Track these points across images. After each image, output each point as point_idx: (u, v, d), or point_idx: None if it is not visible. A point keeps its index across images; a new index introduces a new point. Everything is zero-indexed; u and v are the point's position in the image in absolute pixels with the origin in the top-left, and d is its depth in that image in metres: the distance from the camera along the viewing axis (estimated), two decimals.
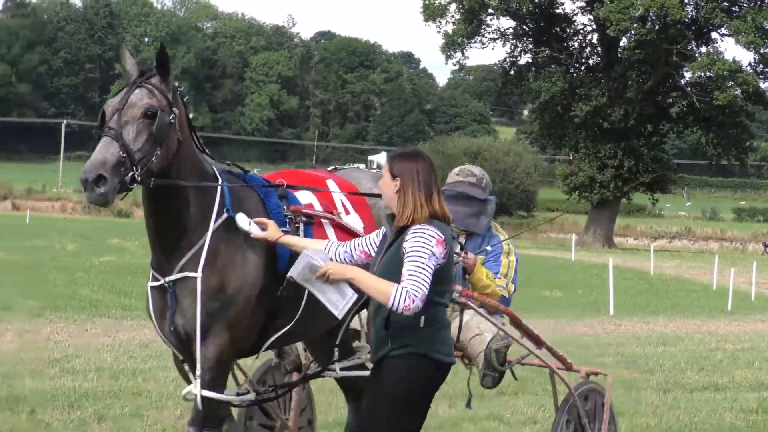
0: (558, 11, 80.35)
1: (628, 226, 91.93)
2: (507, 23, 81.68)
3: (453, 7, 77.97)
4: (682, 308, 28.82)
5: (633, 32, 71.46)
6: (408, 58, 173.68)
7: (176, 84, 7.18)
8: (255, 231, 6.92)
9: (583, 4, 78.03)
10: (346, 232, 7.71)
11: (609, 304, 26.91)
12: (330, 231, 7.68)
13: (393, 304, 6.20)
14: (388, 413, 6.47)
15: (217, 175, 7.32)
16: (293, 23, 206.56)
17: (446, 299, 6.61)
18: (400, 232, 6.45)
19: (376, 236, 6.89)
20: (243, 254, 7.19)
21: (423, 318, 6.38)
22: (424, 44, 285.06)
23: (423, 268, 6.27)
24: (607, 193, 75.39)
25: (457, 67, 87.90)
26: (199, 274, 6.94)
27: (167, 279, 7.10)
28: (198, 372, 7.09)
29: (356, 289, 6.64)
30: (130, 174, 6.58)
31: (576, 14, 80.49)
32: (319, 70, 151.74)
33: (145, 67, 7.01)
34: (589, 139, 76.72)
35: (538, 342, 8.77)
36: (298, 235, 7.38)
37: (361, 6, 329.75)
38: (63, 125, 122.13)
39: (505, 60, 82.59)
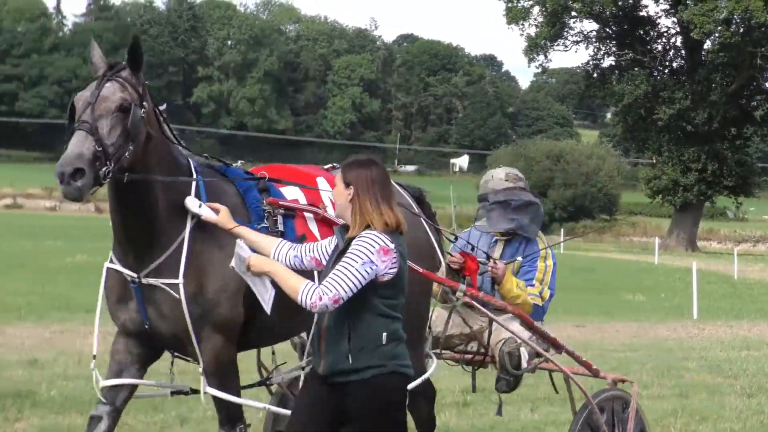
0: (641, 14, 79.93)
1: (711, 229, 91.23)
2: (590, 26, 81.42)
3: (536, 9, 77.95)
4: (766, 312, 28.58)
5: (717, 35, 70.79)
6: (490, 61, 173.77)
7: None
8: (206, 213, 6.81)
9: (667, 6, 77.58)
10: (331, 227, 7.54)
11: (692, 307, 26.81)
12: (313, 225, 7.60)
13: (300, 300, 6.03)
14: None
15: (193, 169, 7.21)
16: (376, 26, 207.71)
17: (399, 312, 6.35)
18: (350, 241, 6.24)
19: (328, 244, 6.69)
20: (222, 251, 7.04)
21: (385, 334, 6.18)
22: (507, 47, 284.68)
23: (350, 272, 6.06)
24: (690, 197, 74.88)
25: (539, 69, 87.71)
26: (180, 280, 6.87)
27: (142, 278, 7.00)
28: (201, 373, 7.11)
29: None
30: (103, 169, 6.49)
31: (660, 17, 79.95)
32: (402, 73, 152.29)
33: (113, 61, 6.93)
34: (673, 143, 76.21)
35: (556, 346, 8.58)
36: (278, 228, 7.28)
37: (444, 9, 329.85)
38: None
39: (588, 63, 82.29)
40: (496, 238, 8.75)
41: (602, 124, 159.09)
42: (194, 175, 7.15)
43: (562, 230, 74.35)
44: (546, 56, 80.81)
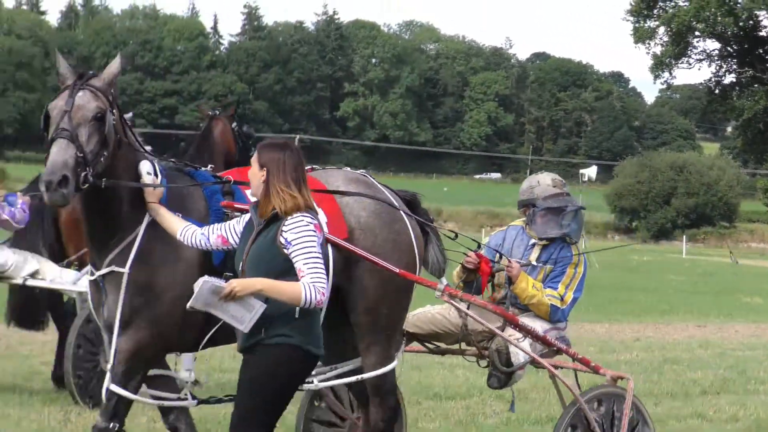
0: (761, 34, 79.63)
1: None
2: (712, 45, 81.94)
3: (662, 30, 78.70)
4: None
5: None
6: (618, 78, 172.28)
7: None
8: (147, 180, 6.72)
9: None
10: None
11: None
12: None
13: (305, 302, 5.92)
14: (258, 401, 6.17)
15: (158, 172, 7.06)
16: (510, 45, 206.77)
17: None
18: (271, 221, 6.13)
19: (236, 223, 6.55)
20: (176, 253, 6.93)
21: (297, 309, 6.04)
22: (634, 65, 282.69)
23: (317, 259, 6.00)
24: None
25: (664, 86, 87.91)
26: (126, 269, 6.73)
27: (98, 274, 6.91)
28: (109, 365, 6.81)
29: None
30: (83, 174, 6.45)
31: None
32: (534, 89, 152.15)
33: (82, 70, 6.85)
34: None
35: (546, 343, 8.18)
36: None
37: (575, 28, 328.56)
38: (296, 140, 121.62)
39: (710, 80, 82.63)
40: (534, 241, 8.46)
41: (723, 137, 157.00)
42: (159, 179, 7.01)
43: (684, 236, 74.27)
44: (671, 73, 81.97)
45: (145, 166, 6.77)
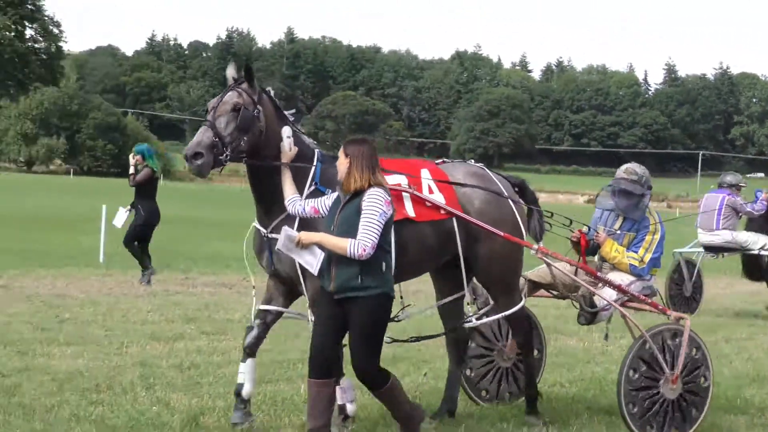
0: None
1: None
2: None
3: None
4: None
5: None
6: None
7: (268, 89, 8.79)
8: (286, 145, 8.56)
9: None
10: (422, 203, 8.91)
11: None
12: (408, 202, 8.88)
13: (350, 254, 7.57)
14: (372, 340, 7.85)
15: (316, 157, 8.80)
16: None
17: (389, 247, 7.95)
18: (354, 196, 7.76)
19: (327, 199, 8.19)
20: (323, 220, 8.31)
21: (384, 264, 7.75)
22: None
23: (373, 224, 7.61)
24: None
25: None
26: (294, 233, 8.05)
27: (266, 232, 8.66)
28: (308, 305, 8.56)
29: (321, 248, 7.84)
30: (222, 155, 8.22)
31: None
32: None
33: (239, 76, 8.57)
34: None
35: (622, 291, 9.55)
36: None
37: None
38: (699, 156, 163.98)
39: None
40: (619, 213, 9.99)
41: None
42: (315, 162, 8.75)
43: None
44: None
45: (285, 131, 8.56)
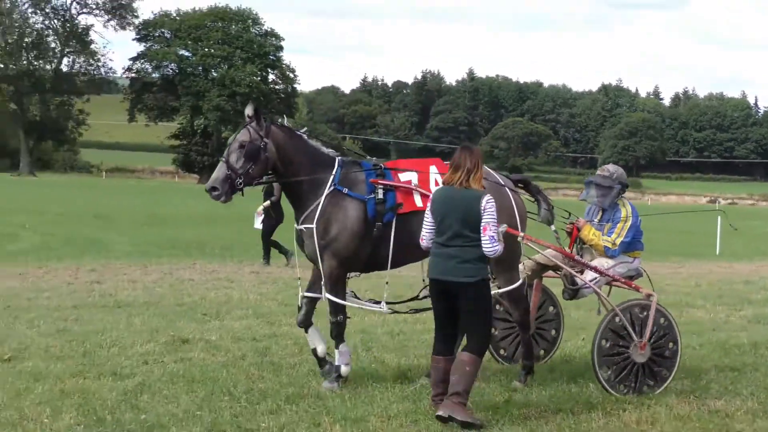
0: None
1: None
2: None
3: None
4: None
5: None
6: None
7: (280, 120, 9.57)
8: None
9: None
10: (428, 197, 8.24)
11: None
12: (417, 196, 8.63)
13: (491, 252, 7.42)
14: (486, 317, 7.59)
15: (336, 164, 8.66)
16: None
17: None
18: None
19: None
20: (344, 212, 8.49)
21: (480, 255, 7.44)
22: None
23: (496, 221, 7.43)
24: None
25: None
26: (314, 225, 8.45)
27: (297, 227, 8.72)
28: (323, 282, 8.60)
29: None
30: (236, 182, 8.29)
31: None
32: None
33: (250, 114, 8.49)
34: None
35: (597, 271, 9.12)
36: (381, 197, 8.53)
37: None
38: None
39: None
40: (598, 208, 9.54)
41: None
42: (334, 168, 8.62)
43: None
44: None
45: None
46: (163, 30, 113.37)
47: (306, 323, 8.92)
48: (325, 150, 8.85)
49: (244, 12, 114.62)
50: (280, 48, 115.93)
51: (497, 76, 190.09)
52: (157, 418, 7.36)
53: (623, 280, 9.25)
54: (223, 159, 8.34)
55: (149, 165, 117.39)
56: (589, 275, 9.19)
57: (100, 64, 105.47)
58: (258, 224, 19.72)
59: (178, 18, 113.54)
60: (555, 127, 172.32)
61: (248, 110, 8.54)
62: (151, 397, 8.00)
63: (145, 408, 7.65)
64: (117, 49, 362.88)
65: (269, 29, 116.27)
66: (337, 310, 8.65)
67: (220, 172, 8.32)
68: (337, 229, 8.45)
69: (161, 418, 7.37)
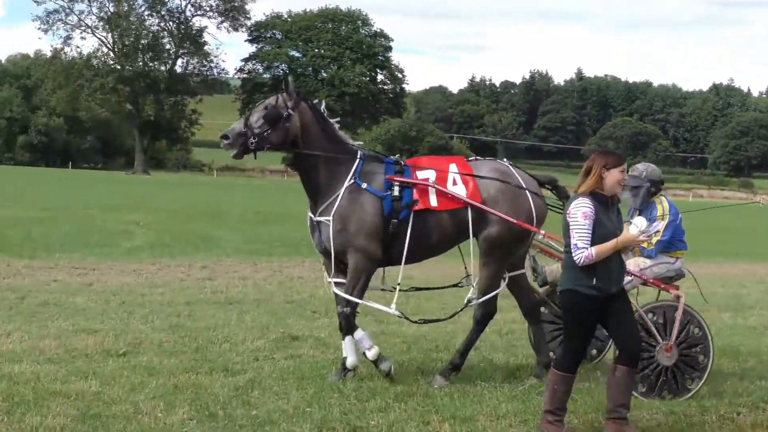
0: None
1: None
2: None
3: None
4: None
5: None
6: None
7: (316, 101, 8.71)
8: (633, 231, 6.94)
9: None
10: (444, 195, 8.48)
11: None
12: (432, 195, 8.52)
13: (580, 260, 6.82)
14: (569, 330, 7.13)
15: (358, 156, 8.54)
16: None
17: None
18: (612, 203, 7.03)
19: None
20: (361, 207, 8.37)
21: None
22: None
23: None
24: None
25: None
26: (330, 218, 8.34)
27: (314, 218, 8.54)
28: (330, 278, 8.72)
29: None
30: (249, 141, 8.27)
31: None
32: None
33: (291, 89, 8.52)
34: None
35: (631, 274, 8.55)
36: (397, 194, 8.39)
37: None
38: None
39: None
40: (635, 210, 9.16)
41: None
42: (356, 161, 8.49)
43: None
44: None
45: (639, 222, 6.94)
46: (274, 31, 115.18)
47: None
48: (349, 142, 8.80)
49: (354, 13, 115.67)
50: (389, 48, 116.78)
51: (606, 75, 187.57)
52: (267, 414, 7.40)
53: (651, 280, 8.82)
54: (244, 117, 8.44)
55: (259, 164, 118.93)
56: None
57: (212, 65, 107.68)
58: None
59: (289, 19, 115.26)
60: (665, 126, 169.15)
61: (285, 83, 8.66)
62: (261, 393, 8.05)
63: (256, 404, 7.70)
64: (229, 51, 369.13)
65: (378, 30, 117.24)
66: (348, 301, 8.53)
67: (237, 125, 8.43)
68: (355, 225, 8.36)
69: (272, 414, 7.40)
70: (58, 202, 36.40)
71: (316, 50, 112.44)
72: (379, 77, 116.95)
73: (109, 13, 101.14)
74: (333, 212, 8.35)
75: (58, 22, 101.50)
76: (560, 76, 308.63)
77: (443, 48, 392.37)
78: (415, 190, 8.49)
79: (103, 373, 8.43)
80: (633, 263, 8.87)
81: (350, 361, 8.61)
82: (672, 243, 9.02)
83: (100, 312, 11.83)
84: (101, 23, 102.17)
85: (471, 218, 8.53)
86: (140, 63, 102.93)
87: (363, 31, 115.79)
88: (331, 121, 8.74)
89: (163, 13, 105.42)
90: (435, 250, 8.80)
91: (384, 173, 8.53)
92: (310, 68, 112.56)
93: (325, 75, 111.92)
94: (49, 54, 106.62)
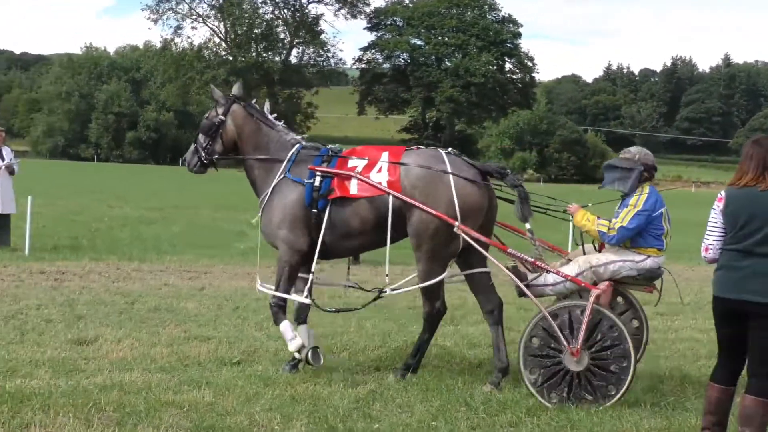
0: None
1: None
2: None
3: None
4: None
5: None
6: None
7: (254, 101, 9.75)
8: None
9: None
10: (364, 183, 8.83)
11: None
12: (354, 183, 8.89)
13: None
14: None
15: (294, 147, 9.27)
16: None
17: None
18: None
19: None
20: (284, 198, 9.04)
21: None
22: None
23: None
24: None
25: None
26: (259, 214, 9.29)
27: (254, 220, 9.69)
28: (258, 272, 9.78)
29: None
30: (201, 156, 9.48)
31: None
32: None
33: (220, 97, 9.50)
34: None
35: (534, 266, 8.83)
36: (317, 184, 8.94)
37: None
38: None
39: None
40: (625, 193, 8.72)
41: None
42: (289, 154, 9.20)
43: None
44: None
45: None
46: (395, 18, 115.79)
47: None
48: (287, 135, 9.49)
49: None
50: (518, 35, 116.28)
51: (756, 62, 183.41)
52: (390, 427, 7.43)
53: (571, 278, 8.57)
54: (195, 137, 9.56)
55: None
56: (542, 277, 8.77)
57: (329, 54, 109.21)
58: None
59: (410, 5, 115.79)
60: None
61: (234, 89, 9.70)
62: (383, 405, 8.08)
63: (378, 417, 7.74)
64: (347, 39, 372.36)
65: (506, 15, 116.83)
66: (275, 296, 9.23)
67: (191, 146, 9.60)
68: (278, 216, 9.04)
69: (395, 428, 7.43)
70: (167, 201, 37.38)
71: (440, 38, 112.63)
72: (507, 66, 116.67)
73: (221, 1, 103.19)
74: (262, 207, 9.17)
75: (169, 11, 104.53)
76: (705, 62, 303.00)
77: (576, 33, 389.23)
78: (335, 179, 8.92)
79: (216, 383, 8.57)
80: (584, 260, 8.70)
81: (293, 346, 9.14)
82: (643, 237, 8.59)
83: (212, 318, 12.07)
84: (213, 12, 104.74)
85: (392, 206, 8.76)
86: (253, 53, 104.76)
87: (490, 17, 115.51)
88: (270, 116, 9.55)
89: (277, 0, 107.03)
90: (363, 240, 9.08)
91: (314, 163, 9.12)
92: (433, 57, 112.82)
93: (449, 64, 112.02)
94: (159, 45, 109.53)
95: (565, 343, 8.26)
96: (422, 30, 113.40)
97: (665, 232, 8.66)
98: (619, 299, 9.44)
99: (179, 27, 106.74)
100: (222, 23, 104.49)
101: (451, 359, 10.03)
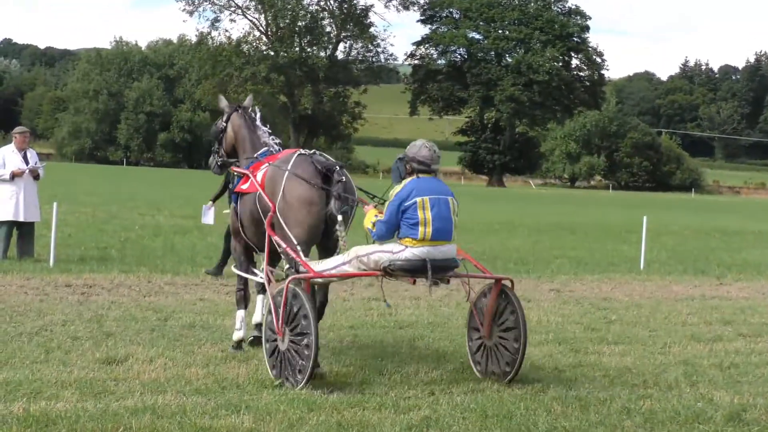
0: None
1: None
2: None
3: None
4: None
5: None
6: None
7: (251, 109, 11.41)
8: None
9: None
10: (253, 180, 10.46)
11: None
12: (251, 180, 10.54)
13: None
14: None
15: (260, 150, 11.10)
16: None
17: None
18: None
19: None
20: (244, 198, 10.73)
21: None
22: None
23: None
24: None
25: None
26: (231, 206, 11.43)
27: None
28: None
29: None
30: (217, 159, 11.58)
31: None
32: None
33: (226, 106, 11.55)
34: None
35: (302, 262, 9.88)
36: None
37: None
38: None
39: None
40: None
41: None
42: (256, 154, 10.98)
43: None
44: None
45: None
46: (451, 10, 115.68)
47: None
48: (264, 139, 11.25)
49: None
50: (586, 28, 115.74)
51: None
52: None
53: (338, 266, 9.67)
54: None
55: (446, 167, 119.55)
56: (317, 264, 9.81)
57: (379, 50, 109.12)
58: (208, 219, 18.85)
59: None
60: None
61: (221, 102, 11.79)
62: None
63: None
64: (399, 33, 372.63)
65: (573, 6, 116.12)
66: (239, 280, 11.27)
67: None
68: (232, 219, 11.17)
69: None
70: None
71: (500, 31, 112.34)
72: (574, 62, 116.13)
73: None
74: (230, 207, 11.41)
75: (205, 3, 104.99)
76: None
77: (650, 27, 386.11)
78: (244, 177, 10.78)
79: (257, 407, 8.57)
80: (353, 250, 9.65)
81: (236, 336, 11.13)
82: (401, 228, 9.47)
83: (251, 337, 12.10)
84: (253, 3, 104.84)
85: (259, 201, 10.32)
86: (296, 48, 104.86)
87: (555, 9, 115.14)
88: (259, 123, 11.30)
89: None
90: (257, 230, 10.52)
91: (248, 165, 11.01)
92: (493, 52, 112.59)
93: (509, 60, 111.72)
94: (194, 39, 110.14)
95: (276, 323, 9.52)
96: (481, 23, 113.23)
97: (420, 221, 9.42)
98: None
99: (216, 19, 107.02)
100: (263, 15, 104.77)
101: (512, 383, 10.00)
